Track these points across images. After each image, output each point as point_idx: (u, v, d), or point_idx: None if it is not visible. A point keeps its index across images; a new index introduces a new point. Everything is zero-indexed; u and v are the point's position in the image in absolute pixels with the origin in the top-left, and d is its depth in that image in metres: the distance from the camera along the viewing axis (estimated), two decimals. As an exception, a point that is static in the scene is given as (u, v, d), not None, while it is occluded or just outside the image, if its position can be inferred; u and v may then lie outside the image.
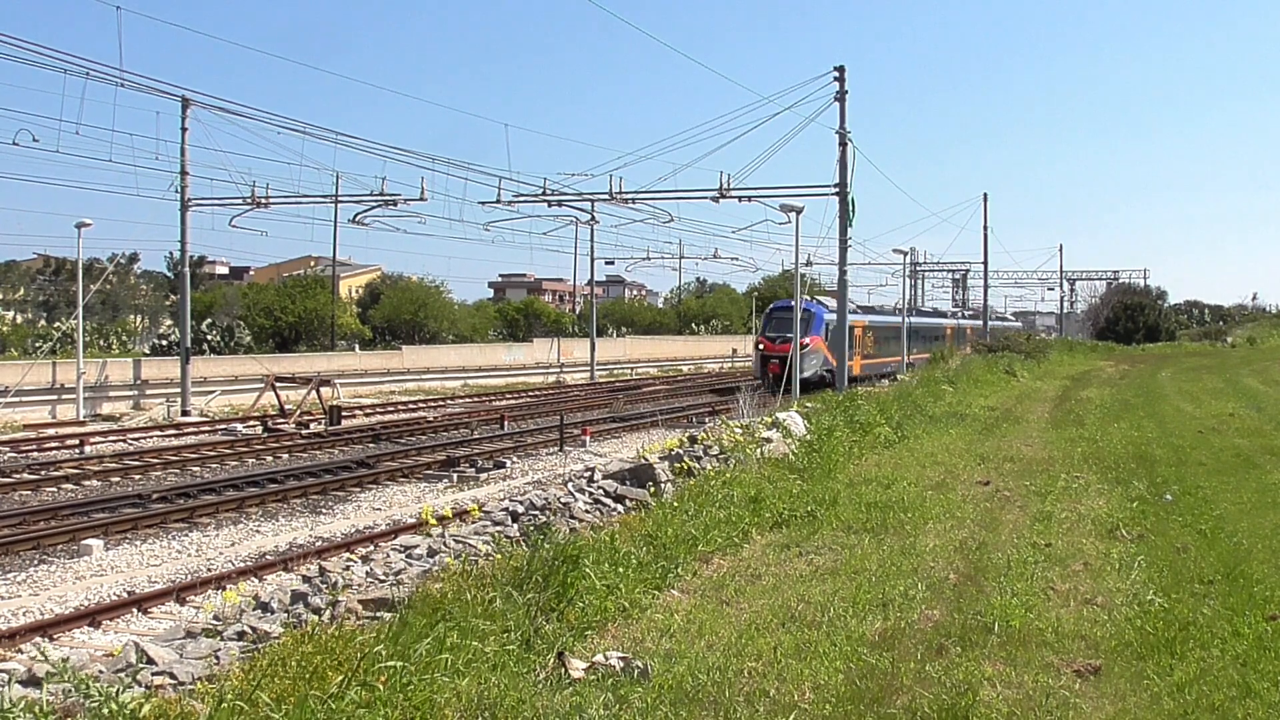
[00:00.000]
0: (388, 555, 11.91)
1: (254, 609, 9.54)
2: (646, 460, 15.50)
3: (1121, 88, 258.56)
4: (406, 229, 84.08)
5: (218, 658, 7.39)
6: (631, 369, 64.60)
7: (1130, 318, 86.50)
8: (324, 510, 18.37)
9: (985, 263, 66.24)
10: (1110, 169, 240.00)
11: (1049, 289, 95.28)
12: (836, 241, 32.53)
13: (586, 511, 13.06)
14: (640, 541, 10.28)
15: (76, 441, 25.96)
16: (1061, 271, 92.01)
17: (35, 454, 24.81)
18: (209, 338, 51.58)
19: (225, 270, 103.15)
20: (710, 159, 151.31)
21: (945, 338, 62.40)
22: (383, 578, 10.37)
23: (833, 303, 43.06)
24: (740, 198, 32.63)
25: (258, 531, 16.51)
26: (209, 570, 13.89)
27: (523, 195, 35.29)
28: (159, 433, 29.83)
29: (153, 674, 6.87)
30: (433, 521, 13.98)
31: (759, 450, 16.58)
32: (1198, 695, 6.72)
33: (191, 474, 22.23)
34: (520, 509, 13.50)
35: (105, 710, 5.28)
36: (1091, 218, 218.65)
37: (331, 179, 38.46)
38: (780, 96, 62.12)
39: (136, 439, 28.33)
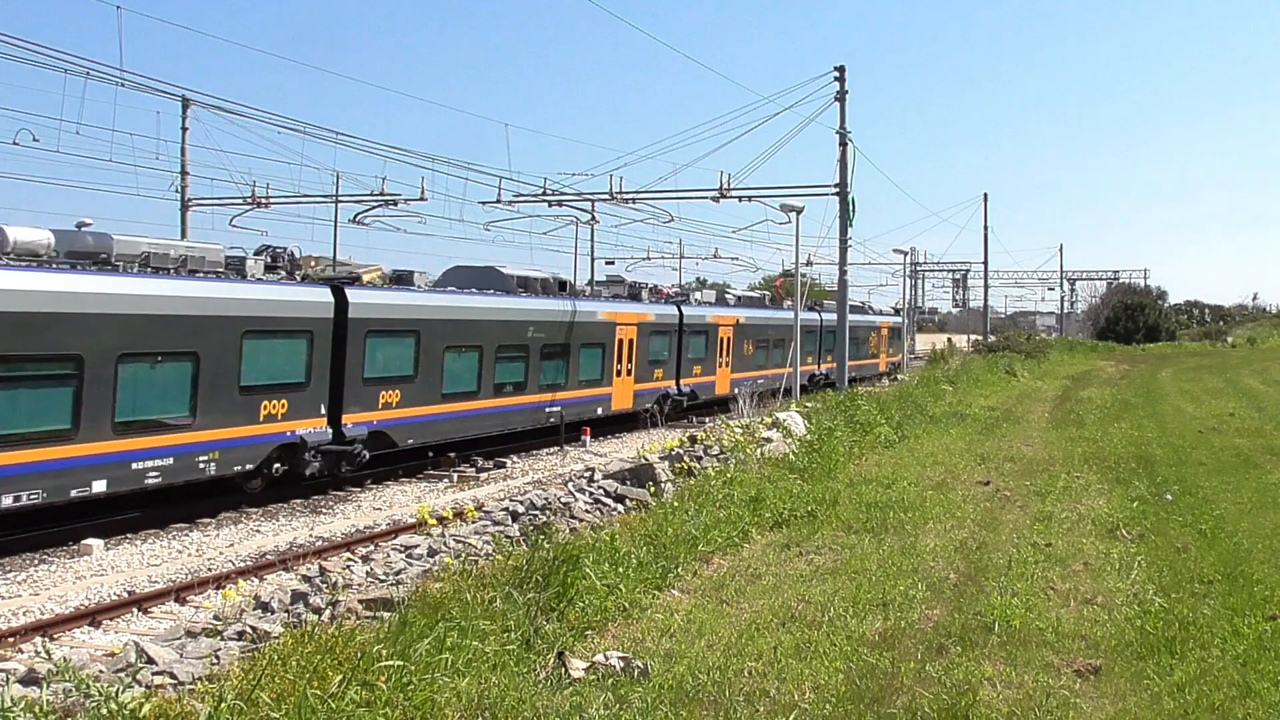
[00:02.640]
0: (388, 555, 11.91)
1: (254, 609, 9.54)
2: (646, 460, 15.50)
3: (1122, 88, 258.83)
4: (407, 229, 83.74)
5: (218, 657, 7.39)
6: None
7: (1130, 318, 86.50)
8: (324, 510, 18.36)
9: (985, 263, 66.27)
10: (1111, 169, 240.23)
11: (1049, 289, 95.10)
12: (837, 241, 32.44)
13: (586, 511, 13.06)
14: (640, 541, 10.29)
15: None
16: (1062, 271, 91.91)
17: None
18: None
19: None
20: (710, 159, 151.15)
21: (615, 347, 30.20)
22: (383, 578, 10.37)
23: None
24: (740, 198, 32.54)
25: (258, 531, 16.50)
26: (209, 570, 13.88)
27: (523, 195, 35.20)
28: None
29: (153, 674, 6.88)
30: (431, 521, 13.98)
31: (759, 450, 16.58)
32: (1198, 695, 6.72)
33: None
34: (520, 509, 13.50)
35: (105, 710, 5.28)
36: (1091, 218, 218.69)
37: (331, 179, 38.24)
38: (780, 96, 62.04)
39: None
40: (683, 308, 32.39)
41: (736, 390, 34.42)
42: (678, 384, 31.59)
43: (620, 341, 28.50)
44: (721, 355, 34.54)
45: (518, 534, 11.57)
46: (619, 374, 28.54)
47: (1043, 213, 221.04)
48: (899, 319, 59.72)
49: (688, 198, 34.05)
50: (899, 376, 49.84)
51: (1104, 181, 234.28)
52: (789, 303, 43.14)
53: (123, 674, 6.76)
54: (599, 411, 27.93)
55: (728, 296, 38.43)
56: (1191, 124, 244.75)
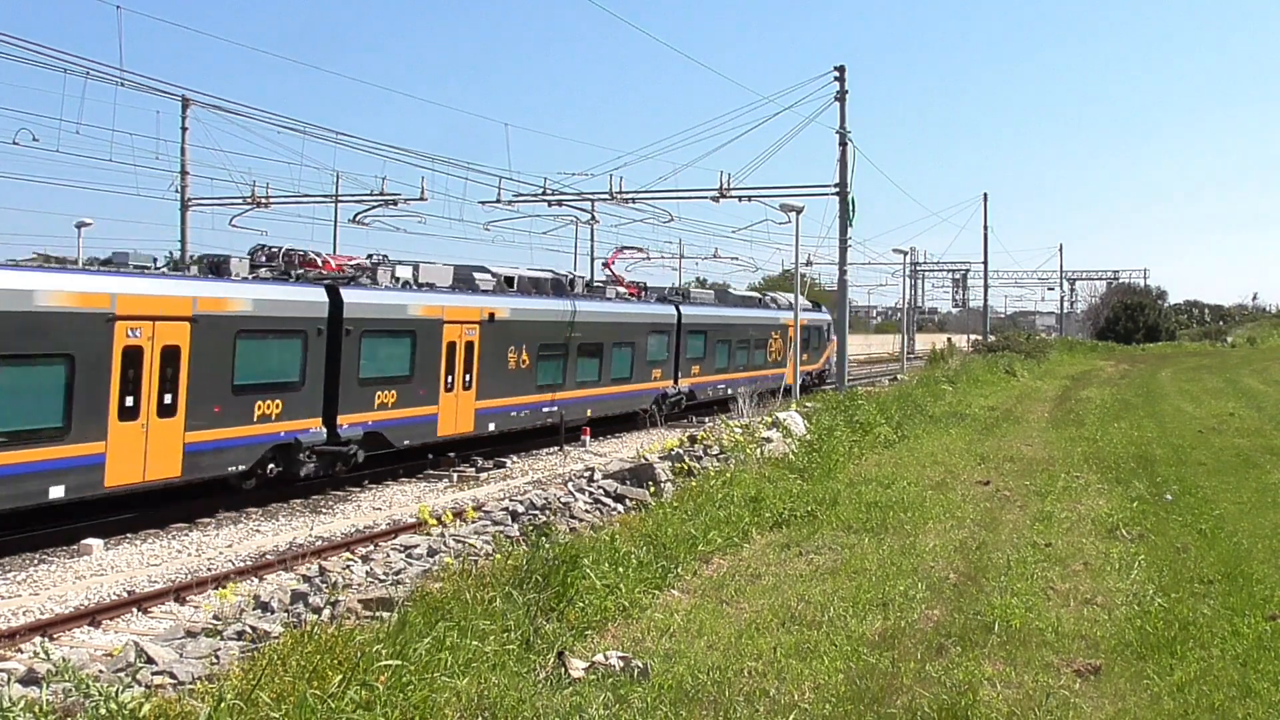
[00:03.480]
0: (388, 555, 11.92)
1: (254, 609, 9.55)
2: (646, 460, 15.50)
3: (1122, 88, 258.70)
4: (407, 229, 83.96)
5: (218, 657, 7.40)
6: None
7: (1130, 318, 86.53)
8: (324, 510, 18.36)
9: (985, 263, 66.24)
10: (1111, 169, 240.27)
11: (1049, 289, 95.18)
12: (836, 241, 32.45)
13: (586, 511, 13.06)
14: (640, 541, 10.29)
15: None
16: (1061, 271, 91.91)
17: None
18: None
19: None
20: (710, 159, 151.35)
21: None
22: (383, 577, 10.37)
23: None
24: (740, 197, 32.60)
25: (258, 531, 16.51)
26: (209, 570, 13.88)
27: (523, 195, 35.26)
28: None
29: (153, 673, 6.88)
30: (431, 521, 13.99)
31: (759, 450, 16.58)
32: (1198, 695, 6.72)
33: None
34: (520, 509, 13.51)
35: (105, 710, 5.28)
36: (1091, 218, 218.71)
37: (331, 179, 38.31)
38: (780, 96, 62.16)
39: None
40: (343, 291, 19.28)
41: (493, 426, 22.96)
42: (329, 422, 19.02)
43: (135, 352, 15.35)
44: (453, 371, 21.92)
45: (518, 534, 11.58)
46: (129, 415, 15.33)
47: (1043, 213, 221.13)
48: (821, 315, 44.63)
49: (687, 198, 34.13)
50: (826, 388, 36.75)
51: (1104, 181, 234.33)
52: (618, 287, 31.85)
53: (122, 674, 6.76)
54: (54, 493, 14.37)
55: (480, 278, 24.15)
56: (1191, 124, 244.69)
